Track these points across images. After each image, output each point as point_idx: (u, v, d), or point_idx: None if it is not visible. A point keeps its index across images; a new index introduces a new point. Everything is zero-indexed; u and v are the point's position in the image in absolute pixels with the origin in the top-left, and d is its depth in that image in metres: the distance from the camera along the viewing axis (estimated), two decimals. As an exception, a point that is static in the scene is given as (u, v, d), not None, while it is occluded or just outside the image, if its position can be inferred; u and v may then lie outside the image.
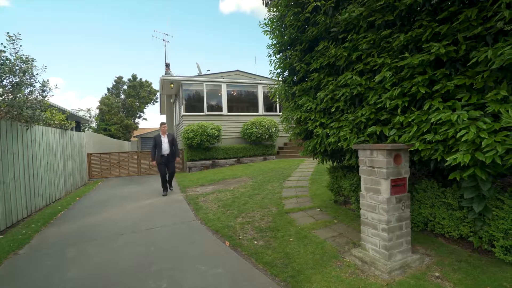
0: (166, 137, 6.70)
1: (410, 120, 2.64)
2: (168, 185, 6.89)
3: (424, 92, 2.53)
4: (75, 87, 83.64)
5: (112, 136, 27.76)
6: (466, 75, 2.34)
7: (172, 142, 6.74)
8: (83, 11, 65.85)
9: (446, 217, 2.91)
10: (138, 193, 7.25)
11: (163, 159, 6.62)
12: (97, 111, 32.26)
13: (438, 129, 2.39)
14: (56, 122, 7.10)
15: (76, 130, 13.00)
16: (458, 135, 2.18)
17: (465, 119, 2.18)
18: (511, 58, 1.88)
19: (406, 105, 2.75)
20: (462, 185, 2.55)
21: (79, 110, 29.14)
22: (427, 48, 2.48)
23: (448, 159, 2.27)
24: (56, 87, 5.83)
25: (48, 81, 5.57)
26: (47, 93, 5.65)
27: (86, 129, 24.45)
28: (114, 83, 34.31)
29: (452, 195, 2.85)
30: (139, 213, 5.20)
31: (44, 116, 6.33)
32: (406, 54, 2.64)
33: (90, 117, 31.05)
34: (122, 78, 34.37)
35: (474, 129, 2.10)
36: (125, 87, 34.58)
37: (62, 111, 9.09)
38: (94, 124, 31.99)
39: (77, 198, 6.84)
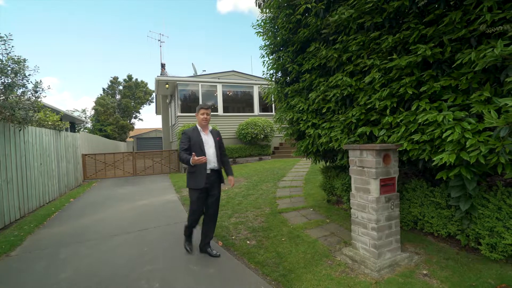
0: (210, 134, 3.29)
1: (398, 120, 2.69)
2: (207, 242, 3.29)
3: (412, 93, 2.58)
4: (71, 87, 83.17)
5: (107, 136, 27.62)
6: (451, 76, 2.38)
7: (220, 146, 3.35)
8: (78, 11, 65.45)
9: (435, 216, 2.96)
10: (133, 194, 7.24)
11: (207, 181, 3.13)
12: (93, 112, 32.07)
13: (425, 129, 2.44)
14: (49, 123, 7.07)
15: (71, 131, 12.94)
16: (444, 135, 2.23)
17: (450, 119, 2.23)
18: (493, 60, 1.92)
19: (395, 105, 2.80)
20: (449, 184, 2.60)
21: (74, 111, 28.91)
22: (415, 50, 2.53)
23: (434, 158, 2.32)
24: (49, 88, 5.81)
25: (41, 81, 5.55)
26: (40, 93, 5.64)
27: (81, 129, 24.31)
28: (109, 84, 34.10)
29: (440, 194, 2.90)
30: (134, 214, 5.19)
31: (37, 117, 6.31)
32: (395, 56, 2.68)
33: (85, 117, 30.82)
34: (117, 78, 34.20)
35: (459, 129, 2.15)
36: (121, 87, 34.41)
37: (56, 111, 9.04)
38: (89, 125, 31.79)
39: (71, 199, 6.81)
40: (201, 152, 3.12)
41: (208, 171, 3.15)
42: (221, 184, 3.35)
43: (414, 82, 2.59)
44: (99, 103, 30.28)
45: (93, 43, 73.75)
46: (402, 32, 2.64)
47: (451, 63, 2.42)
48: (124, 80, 34.31)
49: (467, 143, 2.09)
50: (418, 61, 2.49)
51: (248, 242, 3.54)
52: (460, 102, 2.30)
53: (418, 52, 2.45)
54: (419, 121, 2.42)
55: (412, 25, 2.58)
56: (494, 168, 2.18)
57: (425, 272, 2.54)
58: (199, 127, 3.27)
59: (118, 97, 34.24)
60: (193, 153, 2.93)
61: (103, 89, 34.03)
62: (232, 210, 4.90)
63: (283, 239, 3.52)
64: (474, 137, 2.07)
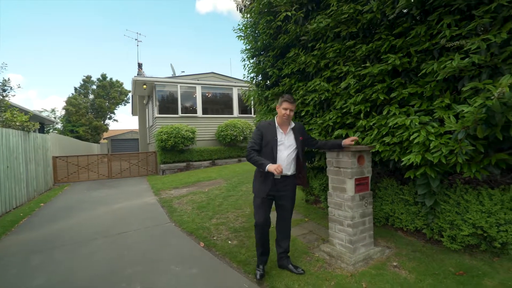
0: (290, 133, 2.71)
1: (371, 124, 2.89)
2: (281, 257, 2.83)
3: (383, 98, 2.79)
4: (37, 85, 78.38)
5: (79, 138, 26.35)
6: (418, 84, 2.62)
7: (302, 145, 2.76)
8: (42, 7, 62.00)
9: (404, 212, 3.19)
10: (109, 197, 7.02)
11: (275, 189, 2.65)
12: (63, 112, 30.48)
13: (395, 132, 2.65)
14: (17, 124, 6.70)
15: (39, 132, 12.26)
16: (412, 137, 2.44)
17: (417, 123, 2.45)
18: (451, 71, 2.16)
19: (368, 110, 3.00)
20: (416, 183, 2.83)
21: (42, 111, 27.30)
22: (386, 59, 2.74)
23: (403, 159, 2.53)
24: (19, 87, 5.54)
25: (9, 79, 5.29)
26: (8, 92, 5.36)
27: (51, 130, 23.02)
28: (82, 83, 32.59)
29: (409, 192, 3.14)
30: (111, 217, 5.06)
31: (4, 117, 5.96)
32: (368, 64, 2.89)
33: (55, 118, 29.18)
34: (90, 77, 32.79)
35: (424, 132, 2.37)
36: (94, 86, 33.02)
37: (25, 111, 8.55)
38: (59, 126, 30.16)
39: (42, 204, 6.49)
40: (272, 157, 2.58)
41: (278, 176, 2.59)
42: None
43: (385, 88, 2.80)
44: (71, 102, 28.88)
45: (62, 40, 70.06)
46: (374, 42, 2.85)
47: (417, 72, 2.65)
48: (98, 79, 32.95)
49: (431, 145, 2.31)
50: (388, 69, 2.70)
51: (229, 242, 3.60)
52: (425, 108, 2.53)
53: (389, 61, 2.66)
54: (390, 124, 2.63)
55: (383, 36, 2.80)
56: (454, 167, 2.42)
57: (395, 264, 2.75)
58: (277, 124, 2.69)
59: (91, 97, 32.82)
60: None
61: (75, 88, 32.49)
62: (212, 212, 4.94)
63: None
64: (436, 140, 2.30)
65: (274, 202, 2.74)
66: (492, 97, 1.79)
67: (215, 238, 3.76)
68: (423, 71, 2.45)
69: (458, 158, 2.17)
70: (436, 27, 2.40)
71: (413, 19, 2.68)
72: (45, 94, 78.40)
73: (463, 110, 2.02)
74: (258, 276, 2.65)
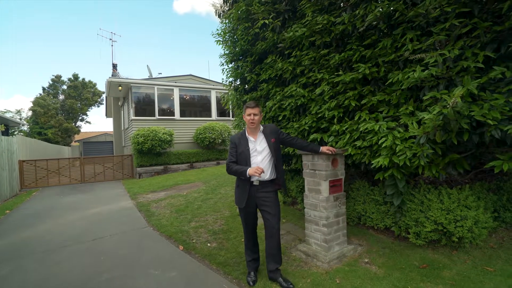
0: (261, 137, 2.73)
1: (344, 128, 3.06)
2: (271, 270, 2.67)
3: (354, 105, 2.96)
4: (-1, 83, 72.88)
5: (48, 140, 24.94)
6: (385, 92, 2.82)
7: (275, 149, 2.71)
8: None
9: (375, 211, 3.40)
10: (83, 202, 6.77)
11: (254, 196, 2.67)
12: (30, 113, 28.73)
13: (366, 137, 2.83)
14: (-20, 126, 6.29)
15: (3, 134, 11.52)
16: (380, 142, 2.62)
17: (384, 128, 2.63)
18: (414, 81, 2.36)
19: (341, 115, 3.17)
20: (385, 184, 3.04)
21: (5, 111, 25.58)
22: (356, 67, 2.92)
23: (373, 162, 2.71)
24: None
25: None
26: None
27: (16, 133, 21.61)
28: (51, 82, 30.96)
29: (379, 192, 3.35)
30: (86, 222, 4.90)
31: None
32: (340, 72, 3.06)
33: (20, 119, 27.41)
34: (60, 77, 31.20)
35: (391, 137, 2.56)
36: (65, 87, 31.47)
37: (-12, 113, 8.04)
38: (26, 127, 28.40)
39: (7, 211, 6.13)
40: (246, 165, 2.63)
41: (256, 183, 2.63)
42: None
43: (356, 95, 2.99)
44: (38, 103, 27.30)
45: (28, 37, 66.04)
46: (346, 52, 3.03)
47: (385, 81, 2.85)
48: (69, 79, 31.44)
49: (397, 149, 2.50)
50: (359, 77, 2.88)
51: (209, 244, 3.64)
52: (392, 114, 2.74)
53: (359, 70, 2.85)
54: (361, 129, 2.80)
55: (354, 46, 2.99)
56: (417, 168, 2.63)
57: (366, 260, 2.93)
58: (247, 133, 2.75)
59: (61, 97, 31.25)
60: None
61: (43, 88, 30.81)
62: (191, 215, 4.93)
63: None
64: (402, 144, 2.49)
65: (258, 209, 2.73)
66: (448, 106, 2.00)
67: (194, 241, 3.78)
68: (390, 80, 2.65)
69: (420, 161, 2.38)
70: (400, 40, 2.61)
71: (381, 32, 2.89)
72: (8, 93, 72.94)
73: (424, 117, 2.22)
74: (251, 283, 2.64)
